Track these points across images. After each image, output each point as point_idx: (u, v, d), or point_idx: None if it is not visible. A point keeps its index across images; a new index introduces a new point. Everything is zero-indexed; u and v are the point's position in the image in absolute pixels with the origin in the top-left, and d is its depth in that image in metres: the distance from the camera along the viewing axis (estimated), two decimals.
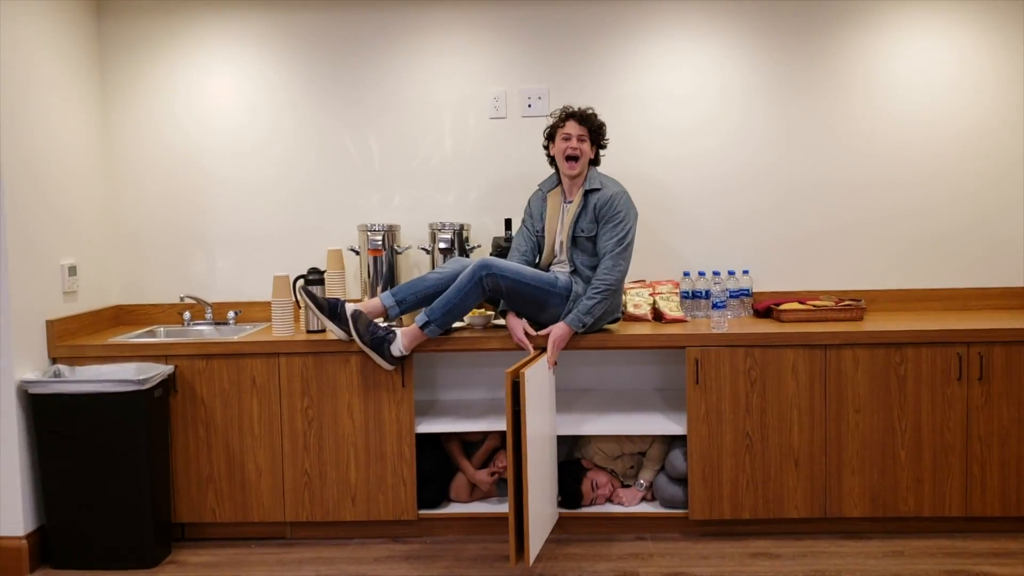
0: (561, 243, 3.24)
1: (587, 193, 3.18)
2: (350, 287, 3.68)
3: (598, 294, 3.11)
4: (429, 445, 3.41)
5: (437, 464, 3.39)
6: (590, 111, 3.23)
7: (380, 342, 3.07)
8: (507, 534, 3.03)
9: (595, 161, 3.26)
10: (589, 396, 3.66)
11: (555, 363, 3.13)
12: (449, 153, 3.73)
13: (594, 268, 3.16)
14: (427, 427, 3.29)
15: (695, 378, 3.16)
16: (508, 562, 3.05)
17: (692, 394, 3.17)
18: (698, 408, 3.17)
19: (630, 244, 3.16)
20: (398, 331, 3.10)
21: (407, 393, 3.19)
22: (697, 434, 3.18)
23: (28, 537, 3.09)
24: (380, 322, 3.17)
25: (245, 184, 3.76)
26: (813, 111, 3.66)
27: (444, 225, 3.53)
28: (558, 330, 3.10)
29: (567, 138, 3.18)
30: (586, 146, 3.19)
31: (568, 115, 3.21)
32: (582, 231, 3.18)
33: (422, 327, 3.06)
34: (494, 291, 3.06)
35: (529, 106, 3.68)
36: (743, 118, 3.68)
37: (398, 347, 3.07)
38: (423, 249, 3.59)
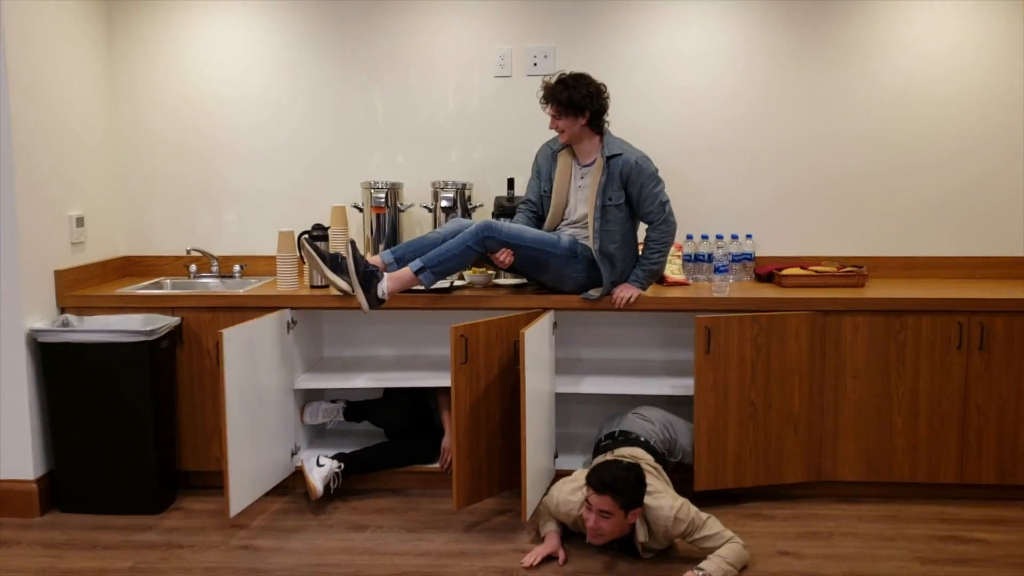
0: (585, 214, 3.17)
1: (608, 159, 3.12)
2: None
3: (659, 256, 3.17)
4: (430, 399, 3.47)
5: (438, 419, 3.44)
6: (560, 84, 3.08)
7: (371, 277, 3.07)
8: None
9: (597, 126, 3.15)
10: (589, 357, 3.68)
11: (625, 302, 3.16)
12: (453, 111, 3.71)
13: (614, 233, 3.14)
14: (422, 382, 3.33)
15: (705, 347, 3.09)
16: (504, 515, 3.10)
17: (702, 364, 3.09)
18: (706, 378, 3.11)
19: (668, 201, 3.16)
20: (386, 274, 3.11)
21: None
22: (704, 404, 3.12)
23: (38, 481, 3.17)
24: None
25: (251, 139, 3.76)
26: (818, 74, 3.61)
27: (447, 184, 3.53)
28: (625, 291, 3.15)
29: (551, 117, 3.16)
30: (564, 121, 3.11)
31: (543, 94, 3.12)
32: (610, 200, 3.12)
33: (416, 272, 3.07)
34: (494, 252, 3.07)
35: (535, 64, 3.64)
36: (749, 80, 3.63)
37: (383, 289, 3.08)
38: (426, 207, 3.60)
